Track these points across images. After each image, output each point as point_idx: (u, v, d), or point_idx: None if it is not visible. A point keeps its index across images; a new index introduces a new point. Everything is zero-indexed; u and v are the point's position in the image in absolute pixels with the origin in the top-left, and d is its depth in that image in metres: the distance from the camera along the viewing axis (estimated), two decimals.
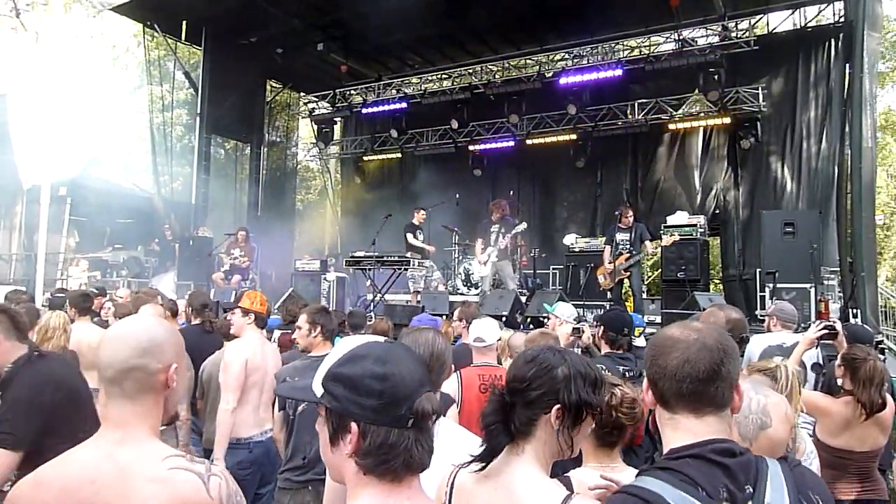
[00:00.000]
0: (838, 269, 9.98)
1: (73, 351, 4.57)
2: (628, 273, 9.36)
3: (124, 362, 1.51)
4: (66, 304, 5.34)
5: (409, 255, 9.87)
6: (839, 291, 9.66)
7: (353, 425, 1.18)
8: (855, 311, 8.07)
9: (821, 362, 4.36)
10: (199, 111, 14.66)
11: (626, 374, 3.37)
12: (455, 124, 14.17)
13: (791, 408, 2.07)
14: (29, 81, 11.58)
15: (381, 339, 1.33)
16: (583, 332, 4.56)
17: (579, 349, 4.69)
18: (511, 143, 14.30)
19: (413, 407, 1.18)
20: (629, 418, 2.20)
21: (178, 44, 14.53)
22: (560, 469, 1.85)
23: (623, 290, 10.13)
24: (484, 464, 1.53)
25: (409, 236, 10.71)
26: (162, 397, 1.57)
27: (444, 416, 3.17)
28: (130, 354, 1.52)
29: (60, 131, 10.72)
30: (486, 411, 1.58)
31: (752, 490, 1.30)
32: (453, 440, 2.07)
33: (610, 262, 9.41)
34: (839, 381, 3.43)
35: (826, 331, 3.77)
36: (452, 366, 2.53)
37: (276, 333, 5.77)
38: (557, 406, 1.51)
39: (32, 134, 11.02)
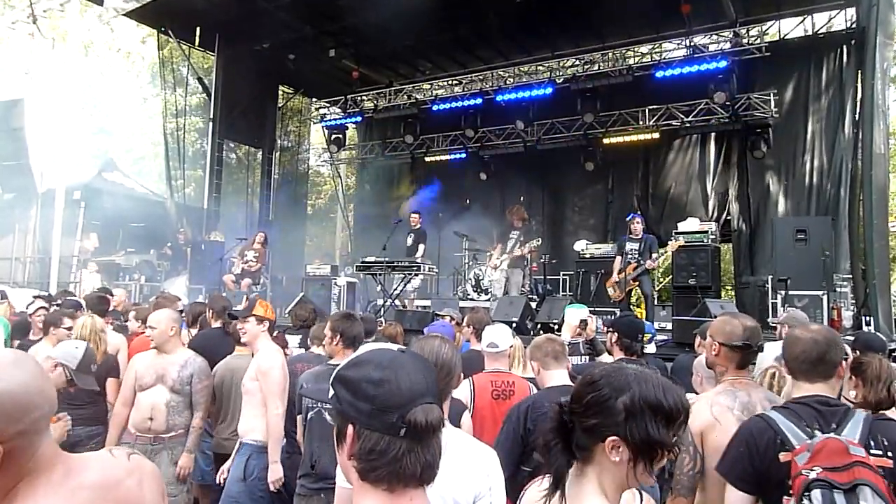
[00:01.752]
0: (851, 276, 9.93)
1: (114, 356, 4.64)
2: (637, 282, 9.30)
3: None
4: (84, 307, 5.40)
5: (419, 260, 9.93)
6: (852, 299, 9.61)
7: (350, 427, 1.19)
8: (868, 318, 8.04)
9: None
10: (211, 116, 14.80)
11: None
12: (470, 133, 14.15)
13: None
14: (45, 87, 11.76)
15: (395, 346, 1.33)
16: (587, 323, 4.53)
17: (584, 342, 4.68)
18: (521, 149, 14.29)
19: (406, 416, 1.16)
20: None
21: (192, 49, 14.65)
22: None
23: (635, 298, 10.05)
24: (555, 490, 1.44)
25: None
26: None
27: (458, 423, 3.22)
28: None
29: (75, 136, 10.85)
30: (547, 427, 1.51)
31: (836, 426, 2.06)
32: (459, 449, 2.04)
33: (619, 273, 9.32)
34: (852, 394, 3.40)
35: None
36: (461, 374, 2.51)
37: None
38: (613, 438, 1.37)
39: (48, 138, 11.17)
